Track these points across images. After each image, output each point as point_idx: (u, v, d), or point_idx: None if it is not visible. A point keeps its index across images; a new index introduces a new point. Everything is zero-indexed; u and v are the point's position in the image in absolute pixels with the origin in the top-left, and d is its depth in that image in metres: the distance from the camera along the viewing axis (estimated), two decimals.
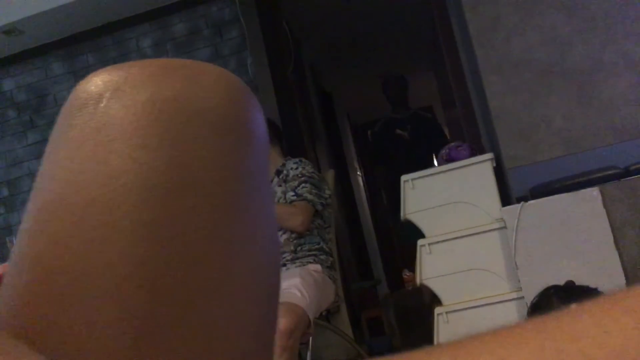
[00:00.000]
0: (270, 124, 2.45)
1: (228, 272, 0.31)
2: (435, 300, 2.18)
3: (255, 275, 0.33)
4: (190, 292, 0.29)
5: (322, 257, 2.11)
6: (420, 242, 2.14)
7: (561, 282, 1.67)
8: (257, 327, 0.33)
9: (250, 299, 0.32)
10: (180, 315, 0.29)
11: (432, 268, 2.11)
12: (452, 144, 2.40)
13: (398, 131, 4.12)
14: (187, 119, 0.31)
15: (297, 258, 2.08)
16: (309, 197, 2.09)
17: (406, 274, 6.42)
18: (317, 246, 2.13)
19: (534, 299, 1.60)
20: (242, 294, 0.32)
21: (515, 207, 1.93)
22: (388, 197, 4.63)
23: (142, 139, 0.30)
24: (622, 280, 1.79)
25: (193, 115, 0.31)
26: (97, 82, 0.33)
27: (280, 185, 2.19)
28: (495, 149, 2.32)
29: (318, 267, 2.04)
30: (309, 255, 2.09)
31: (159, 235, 0.29)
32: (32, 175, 3.18)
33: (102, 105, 0.32)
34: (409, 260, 6.65)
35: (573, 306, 0.20)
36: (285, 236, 2.11)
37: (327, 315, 2.27)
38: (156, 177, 0.29)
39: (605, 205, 1.85)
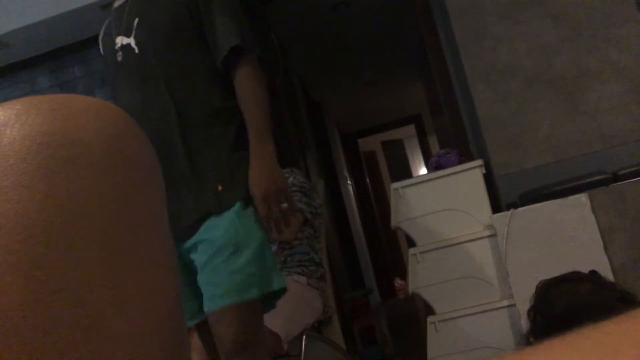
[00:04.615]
0: None
1: (119, 302, 0.31)
2: (428, 309, 2.17)
3: (150, 301, 0.33)
4: (83, 325, 0.29)
5: (312, 268, 2.10)
6: (411, 250, 2.13)
7: None
8: (157, 355, 0.32)
9: (147, 324, 0.32)
10: (76, 348, 0.28)
11: (423, 277, 2.11)
12: (441, 151, 2.41)
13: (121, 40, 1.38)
14: (57, 152, 0.31)
15: (286, 268, 2.07)
16: (297, 205, 2.08)
17: (398, 282, 6.42)
18: (307, 257, 2.12)
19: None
20: (137, 326, 0.31)
21: (505, 214, 1.93)
22: None
23: (13, 179, 0.30)
24: None
25: (63, 148, 0.31)
26: None
27: None
28: (483, 156, 2.33)
29: (303, 279, 2.02)
30: (298, 266, 2.07)
31: (43, 273, 0.29)
32: None
33: None
34: (401, 269, 6.68)
35: (546, 342, 0.21)
36: (274, 247, 2.10)
37: (319, 326, 2.25)
38: (34, 214, 0.29)
39: (594, 211, 1.86)
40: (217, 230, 1.24)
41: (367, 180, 7.01)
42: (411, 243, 2.21)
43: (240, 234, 1.24)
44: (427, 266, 2.11)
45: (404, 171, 7.40)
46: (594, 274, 1.54)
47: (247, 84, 1.30)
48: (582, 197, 1.87)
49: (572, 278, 1.52)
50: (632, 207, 1.89)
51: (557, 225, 1.88)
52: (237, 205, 1.26)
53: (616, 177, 1.98)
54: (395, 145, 7.82)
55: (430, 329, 2.07)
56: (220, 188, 1.27)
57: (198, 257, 1.26)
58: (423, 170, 7.54)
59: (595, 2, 2.23)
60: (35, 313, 0.28)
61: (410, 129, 7.19)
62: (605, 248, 1.84)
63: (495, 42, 2.32)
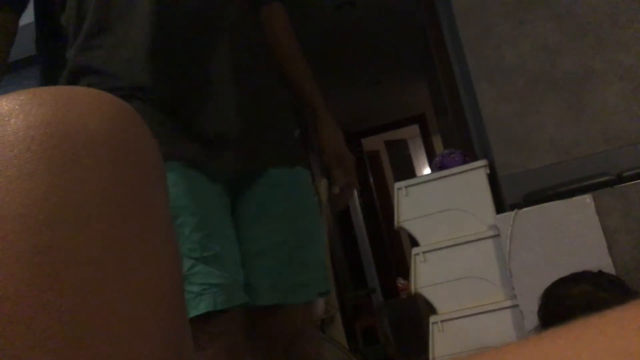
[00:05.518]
0: None
1: (122, 290, 0.31)
2: (430, 309, 2.17)
3: (152, 293, 0.33)
4: (87, 313, 0.29)
5: None
6: (414, 250, 2.13)
7: None
8: (159, 348, 0.33)
9: (149, 318, 0.32)
10: (74, 343, 0.29)
11: (426, 276, 2.11)
12: (445, 151, 2.40)
13: None
14: (61, 143, 0.31)
15: None
16: None
17: (400, 282, 6.42)
18: None
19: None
20: (139, 314, 0.32)
21: (508, 215, 1.93)
22: None
23: (17, 168, 0.30)
24: None
25: (66, 139, 0.32)
26: None
27: None
28: (487, 156, 2.32)
29: None
30: None
31: (46, 262, 0.29)
32: None
33: None
34: (404, 268, 6.69)
35: (550, 331, 0.21)
36: None
37: (322, 325, 2.25)
38: (37, 203, 0.30)
39: (598, 212, 1.86)
40: (302, 190, 0.94)
41: (371, 179, 7.01)
42: (414, 243, 2.20)
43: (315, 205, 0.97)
44: (430, 266, 2.10)
45: (407, 171, 7.40)
46: (599, 274, 1.54)
47: (291, 30, 1.02)
48: (587, 198, 1.87)
49: (572, 279, 1.52)
50: (637, 209, 1.88)
51: (561, 226, 1.88)
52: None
53: (621, 179, 1.97)
54: (399, 145, 7.82)
55: (432, 329, 2.06)
56: (296, 132, 0.96)
57: (280, 224, 0.90)
58: (427, 170, 7.54)
59: (601, 3, 2.22)
60: (39, 301, 0.28)
61: (414, 129, 7.18)
62: (609, 249, 1.84)
63: (500, 41, 2.31)
